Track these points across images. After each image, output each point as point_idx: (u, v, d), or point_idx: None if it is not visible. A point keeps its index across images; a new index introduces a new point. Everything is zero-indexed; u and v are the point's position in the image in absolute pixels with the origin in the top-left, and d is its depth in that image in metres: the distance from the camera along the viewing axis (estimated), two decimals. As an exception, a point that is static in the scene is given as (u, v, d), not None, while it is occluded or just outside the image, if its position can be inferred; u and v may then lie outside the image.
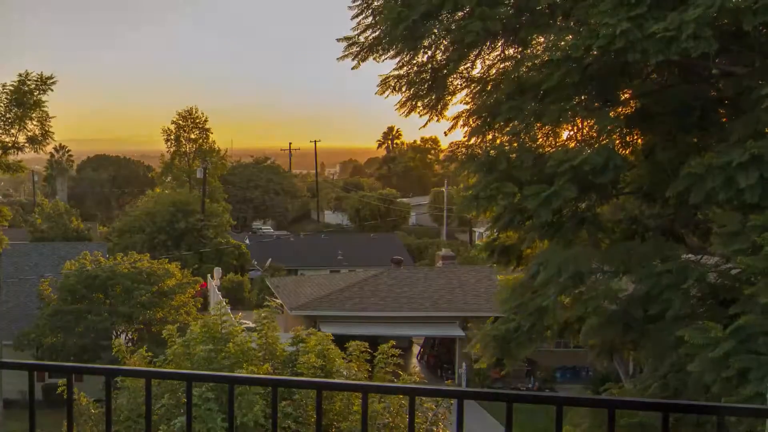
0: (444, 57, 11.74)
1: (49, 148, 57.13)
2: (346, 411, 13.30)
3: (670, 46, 9.31)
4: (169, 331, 14.92)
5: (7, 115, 29.94)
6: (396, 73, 12.08)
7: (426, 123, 12.31)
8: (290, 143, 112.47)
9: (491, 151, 11.19)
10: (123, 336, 31.37)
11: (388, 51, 11.70)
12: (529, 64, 11.38)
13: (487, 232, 14.28)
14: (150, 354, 14.94)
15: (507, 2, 11.42)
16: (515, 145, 11.28)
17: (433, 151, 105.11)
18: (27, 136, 30.21)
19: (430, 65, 11.89)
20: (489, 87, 11.94)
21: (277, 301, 33.93)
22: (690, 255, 11.70)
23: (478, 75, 12.06)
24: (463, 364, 31.34)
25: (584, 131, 11.68)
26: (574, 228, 11.51)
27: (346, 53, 12.03)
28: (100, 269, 31.79)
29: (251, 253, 55.78)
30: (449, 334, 32.95)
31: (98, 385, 15.80)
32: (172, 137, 70.53)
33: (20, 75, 30.33)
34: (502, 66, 11.87)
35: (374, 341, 16.48)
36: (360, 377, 14.54)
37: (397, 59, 11.82)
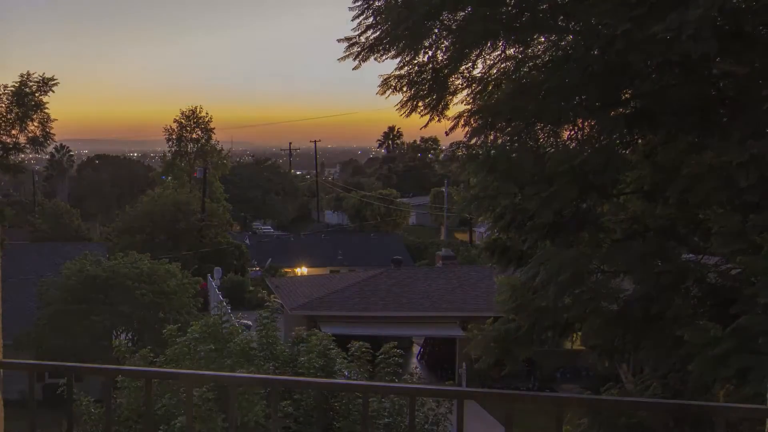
0: (445, 57, 11.73)
1: (50, 149, 57.16)
2: (346, 411, 13.31)
3: (670, 46, 9.31)
4: (170, 331, 14.94)
5: (9, 116, 29.95)
6: (397, 73, 12.07)
7: (427, 123, 12.30)
8: (290, 143, 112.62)
9: (492, 151, 11.19)
10: (123, 336, 31.38)
11: (389, 51, 11.68)
12: (531, 64, 11.38)
13: (488, 232, 14.28)
14: (151, 354, 14.95)
15: (508, 2, 11.41)
16: (516, 145, 11.28)
17: (433, 151, 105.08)
18: (28, 137, 30.22)
19: (431, 65, 11.88)
20: (490, 87, 11.92)
21: (278, 301, 33.93)
22: (690, 255, 11.71)
23: (479, 75, 12.05)
24: (463, 364, 31.33)
25: (585, 131, 11.68)
26: (575, 228, 11.51)
27: (347, 53, 12.02)
28: (101, 269, 31.80)
29: (251, 253, 55.79)
30: (449, 334, 32.94)
31: (98, 385, 15.79)
32: (174, 137, 70.56)
33: (22, 75, 30.35)
34: (503, 66, 11.85)
35: (374, 341, 16.50)
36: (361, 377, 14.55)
37: (398, 59, 11.81)
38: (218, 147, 72.54)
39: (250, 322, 16.15)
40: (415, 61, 11.88)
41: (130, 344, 20.64)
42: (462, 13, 11.27)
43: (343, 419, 13.17)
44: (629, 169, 11.57)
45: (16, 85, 30.06)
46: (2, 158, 30.03)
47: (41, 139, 30.24)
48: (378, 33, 11.66)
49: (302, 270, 53.91)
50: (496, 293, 13.05)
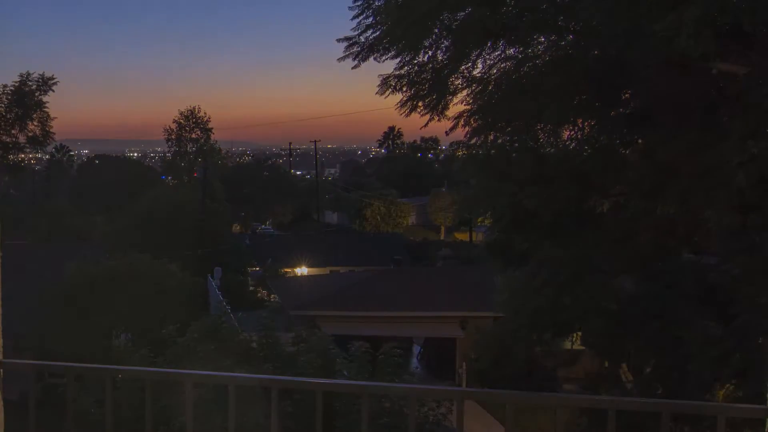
0: (445, 57, 11.74)
1: (50, 149, 57.23)
2: (346, 411, 13.30)
3: (669, 45, 9.31)
4: (170, 331, 14.93)
5: (8, 116, 29.96)
6: (397, 73, 12.08)
7: (427, 123, 12.31)
8: (290, 143, 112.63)
9: (492, 151, 11.19)
10: (123, 336, 31.36)
11: (389, 51, 11.70)
12: (530, 64, 11.39)
13: (488, 232, 14.28)
14: (151, 354, 14.93)
15: (508, 2, 11.42)
16: (516, 145, 11.28)
17: (433, 151, 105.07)
18: (28, 136, 30.21)
19: (430, 65, 11.88)
20: (490, 87, 11.93)
21: (278, 301, 33.93)
22: (690, 255, 11.71)
23: (479, 75, 12.06)
24: (463, 364, 31.32)
25: (585, 131, 11.69)
26: (575, 228, 11.52)
27: (347, 53, 12.04)
28: (101, 269, 31.78)
29: (251, 253, 55.75)
30: (449, 334, 32.92)
31: (98, 385, 15.76)
32: (173, 137, 70.61)
33: (21, 75, 30.37)
34: (503, 66, 11.86)
35: (374, 341, 16.49)
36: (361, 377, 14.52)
37: (398, 59, 11.82)
38: (218, 147, 72.55)
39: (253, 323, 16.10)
40: (415, 61, 11.89)
41: (129, 344, 20.63)
42: (462, 13, 11.27)
43: (344, 419, 13.16)
44: (629, 169, 11.57)
45: (16, 84, 30.07)
46: (2, 158, 30.04)
47: (41, 138, 30.24)
48: (378, 33, 11.67)
49: (302, 270, 53.85)
50: (497, 293, 13.07)
